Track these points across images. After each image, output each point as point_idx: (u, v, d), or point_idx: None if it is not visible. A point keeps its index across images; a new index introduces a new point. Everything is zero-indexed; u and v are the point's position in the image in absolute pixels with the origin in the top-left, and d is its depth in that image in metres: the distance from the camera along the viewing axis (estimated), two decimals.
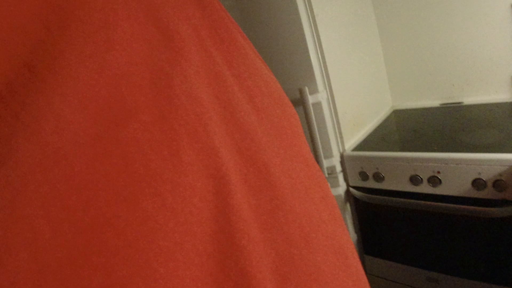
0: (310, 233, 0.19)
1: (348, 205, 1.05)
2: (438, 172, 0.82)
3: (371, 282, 1.09)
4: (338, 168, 1.02)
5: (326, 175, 1.00)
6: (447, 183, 0.81)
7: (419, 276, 0.94)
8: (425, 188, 0.85)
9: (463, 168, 0.77)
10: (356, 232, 1.07)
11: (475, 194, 0.77)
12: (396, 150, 0.92)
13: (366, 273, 1.09)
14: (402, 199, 0.88)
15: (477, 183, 0.76)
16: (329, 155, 1.00)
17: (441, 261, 0.89)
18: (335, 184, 1.02)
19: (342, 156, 1.02)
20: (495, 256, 0.79)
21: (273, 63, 1.01)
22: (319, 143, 0.98)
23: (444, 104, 1.18)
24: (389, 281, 1.03)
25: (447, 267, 0.88)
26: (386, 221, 0.98)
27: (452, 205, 0.79)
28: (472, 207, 0.76)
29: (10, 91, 0.12)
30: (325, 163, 0.99)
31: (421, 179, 0.85)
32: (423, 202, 0.84)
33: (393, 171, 0.90)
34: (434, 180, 0.83)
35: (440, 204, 0.81)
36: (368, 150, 0.98)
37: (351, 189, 1.02)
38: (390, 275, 1.03)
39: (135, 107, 0.15)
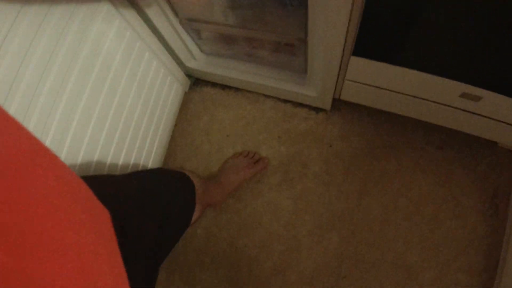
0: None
1: None
2: None
3: (355, 87, 0.76)
4: None
5: None
6: None
7: (450, 89, 0.63)
8: None
9: None
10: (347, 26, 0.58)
11: None
12: None
13: (348, 79, 0.71)
14: None
15: None
16: None
17: (491, 75, 0.55)
18: None
19: None
20: None
21: None
22: None
23: None
24: (398, 94, 0.72)
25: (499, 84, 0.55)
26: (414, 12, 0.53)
27: None
28: None
29: None
30: None
31: None
32: None
33: None
34: None
35: None
36: None
37: None
38: (395, 85, 0.71)
39: None
